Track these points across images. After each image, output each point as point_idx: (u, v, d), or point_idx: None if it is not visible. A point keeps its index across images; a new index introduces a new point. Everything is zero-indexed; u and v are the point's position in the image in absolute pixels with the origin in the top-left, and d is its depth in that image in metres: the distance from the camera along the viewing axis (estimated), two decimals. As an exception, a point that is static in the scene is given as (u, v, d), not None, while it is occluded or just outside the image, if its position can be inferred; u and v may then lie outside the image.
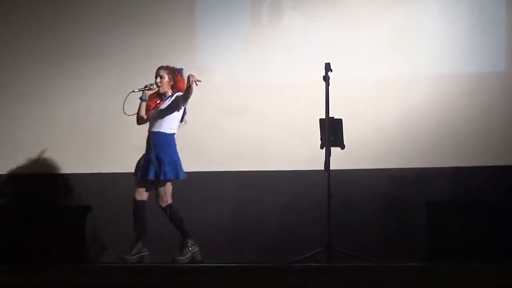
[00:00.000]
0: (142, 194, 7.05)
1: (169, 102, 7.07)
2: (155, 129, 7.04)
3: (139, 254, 6.96)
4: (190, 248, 6.95)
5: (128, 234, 7.86)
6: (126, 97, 6.97)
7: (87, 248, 6.65)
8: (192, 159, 7.96)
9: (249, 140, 7.86)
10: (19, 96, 8.45)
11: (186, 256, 6.92)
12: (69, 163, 8.23)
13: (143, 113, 7.12)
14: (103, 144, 8.24)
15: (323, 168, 6.76)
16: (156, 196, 7.03)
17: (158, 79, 7.09)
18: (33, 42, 8.47)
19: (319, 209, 6.93)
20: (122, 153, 8.17)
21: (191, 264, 6.83)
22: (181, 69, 7.17)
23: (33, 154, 8.33)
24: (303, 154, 7.67)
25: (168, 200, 7.01)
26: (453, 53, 7.78)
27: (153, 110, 7.09)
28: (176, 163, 7.03)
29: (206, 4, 8.24)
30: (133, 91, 7.02)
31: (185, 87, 6.96)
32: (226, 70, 8.11)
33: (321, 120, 6.90)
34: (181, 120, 7.12)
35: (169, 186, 7.01)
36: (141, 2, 8.32)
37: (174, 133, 7.07)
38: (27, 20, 8.50)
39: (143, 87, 7.07)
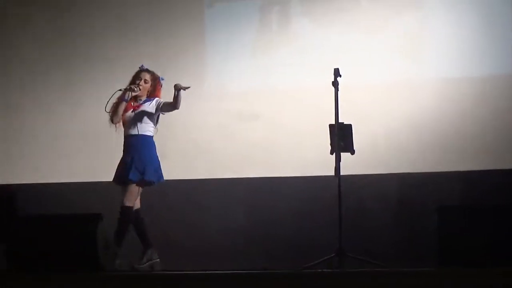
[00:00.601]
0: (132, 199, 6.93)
1: (150, 105, 6.99)
2: (135, 132, 6.95)
3: (150, 262, 6.94)
4: (153, 258, 6.92)
5: (137, 242, 7.90)
6: (112, 96, 6.89)
7: (98, 257, 6.63)
8: (203, 165, 8.00)
9: (259, 146, 7.87)
10: (27, 106, 8.47)
11: (145, 264, 6.87)
12: (80, 172, 8.25)
13: (121, 113, 6.99)
14: (112, 152, 8.25)
15: (333, 174, 6.76)
16: (127, 196, 6.88)
17: (142, 82, 7.00)
18: (42, 51, 8.50)
19: (330, 214, 6.92)
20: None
21: (201, 272, 6.82)
22: (163, 78, 7.14)
23: (43, 163, 8.36)
24: (313, 159, 7.68)
25: (138, 204, 6.95)
26: (462, 57, 7.77)
27: (130, 112, 6.99)
28: (158, 165, 6.98)
29: (215, 12, 8.25)
30: (120, 90, 6.95)
31: (160, 95, 6.97)
32: (236, 77, 8.12)
33: (330, 125, 6.89)
34: (156, 124, 7.07)
35: (140, 190, 6.93)
36: (151, 11, 8.34)
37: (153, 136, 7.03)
38: (36, 30, 8.53)
39: (128, 87, 6.97)
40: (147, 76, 7.05)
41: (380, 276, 5.93)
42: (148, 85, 7.04)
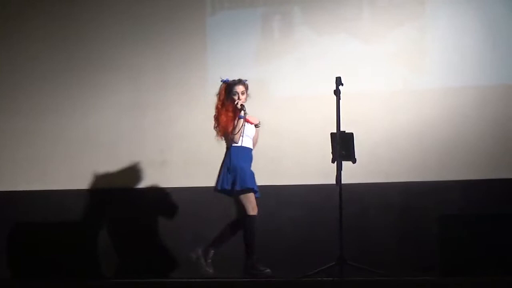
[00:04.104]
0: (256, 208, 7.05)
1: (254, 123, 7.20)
2: (248, 144, 7.13)
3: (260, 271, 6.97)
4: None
5: (142, 249, 7.90)
6: (243, 125, 7.02)
7: (98, 264, 6.64)
8: (204, 173, 7.98)
9: (260, 154, 7.84)
10: (31, 112, 8.49)
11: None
12: (82, 178, 8.26)
13: (242, 130, 7.09)
14: (116, 159, 8.27)
15: (334, 182, 6.76)
16: (250, 205, 7.00)
17: (243, 96, 7.16)
18: (46, 57, 8.50)
19: (331, 223, 6.92)
20: (135, 169, 8.21)
21: (203, 280, 6.82)
22: (246, 81, 7.24)
23: (46, 169, 8.36)
24: (315, 168, 7.68)
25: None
26: (463, 66, 7.77)
27: (247, 125, 7.11)
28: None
29: (217, 20, 8.26)
30: (241, 118, 7.02)
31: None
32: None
33: (332, 134, 6.90)
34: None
35: None
36: (153, 18, 8.35)
37: None
38: (40, 35, 8.54)
39: (239, 106, 7.06)
40: (242, 88, 7.17)
41: (380, 285, 5.93)
42: (245, 96, 7.18)
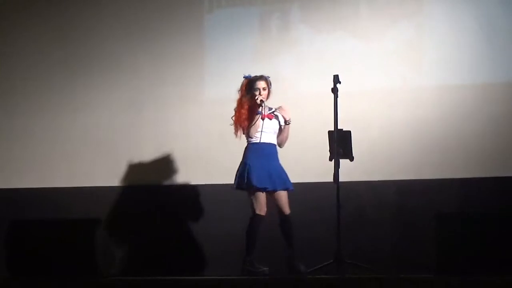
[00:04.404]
0: (264, 208, 7.03)
1: (276, 114, 7.14)
2: (265, 140, 7.07)
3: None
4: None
5: (136, 248, 7.90)
6: (256, 120, 7.00)
7: (95, 262, 6.63)
8: (201, 171, 8.00)
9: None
10: (29, 109, 8.48)
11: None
12: (79, 177, 8.26)
13: (258, 126, 7.07)
14: (113, 157, 8.27)
15: (332, 180, 6.76)
16: (285, 204, 7.03)
17: (264, 92, 7.11)
18: (43, 55, 8.50)
19: (329, 221, 6.93)
20: (131, 167, 8.20)
21: (200, 278, 6.82)
22: (268, 76, 7.22)
23: (42, 167, 8.36)
24: (312, 166, 7.68)
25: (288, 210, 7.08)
26: (461, 64, 7.78)
27: (265, 121, 7.08)
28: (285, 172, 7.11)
29: (214, 18, 8.26)
30: (258, 114, 7.01)
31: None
32: (235, 83, 8.10)
33: (329, 132, 6.90)
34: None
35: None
36: (150, 17, 8.35)
37: None
38: (37, 33, 8.54)
39: (259, 102, 7.03)
40: (263, 84, 7.13)
41: (377, 283, 5.93)
42: (267, 92, 7.14)
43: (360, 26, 7.98)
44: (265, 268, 6.92)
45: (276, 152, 7.13)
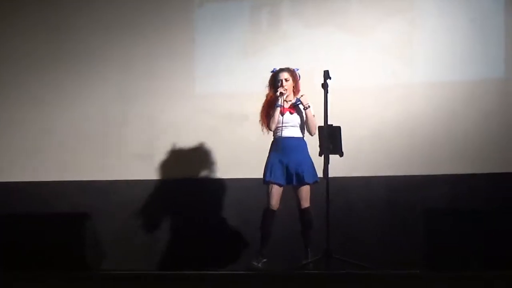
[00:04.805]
0: (278, 202, 7.02)
1: (300, 107, 7.07)
2: (286, 134, 7.03)
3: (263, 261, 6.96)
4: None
5: (125, 242, 7.89)
6: (275, 113, 6.95)
7: (84, 256, 6.63)
8: (194, 166, 7.99)
9: (248, 147, 7.86)
10: (17, 101, 8.45)
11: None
12: (67, 170, 8.24)
13: (277, 118, 7.02)
14: (102, 151, 8.25)
15: (321, 175, 6.76)
16: (305, 197, 6.99)
17: (284, 82, 7.07)
18: (32, 47, 8.48)
19: (318, 216, 6.92)
20: (121, 160, 8.19)
21: (194, 272, 6.82)
22: (297, 69, 7.20)
23: (31, 160, 8.34)
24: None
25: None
26: (452, 60, 7.78)
27: (287, 114, 7.04)
28: (313, 165, 7.02)
29: (205, 12, 8.24)
30: (277, 107, 6.95)
31: (299, 87, 7.07)
32: (225, 77, 8.11)
33: (319, 127, 6.90)
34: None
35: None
36: (140, 10, 8.33)
37: None
38: (26, 25, 8.52)
39: (278, 94, 6.99)
40: (286, 75, 7.10)
41: (366, 278, 5.94)
42: (290, 83, 7.08)
43: (351, 21, 7.97)
44: (259, 264, 6.90)
45: (299, 145, 7.05)
